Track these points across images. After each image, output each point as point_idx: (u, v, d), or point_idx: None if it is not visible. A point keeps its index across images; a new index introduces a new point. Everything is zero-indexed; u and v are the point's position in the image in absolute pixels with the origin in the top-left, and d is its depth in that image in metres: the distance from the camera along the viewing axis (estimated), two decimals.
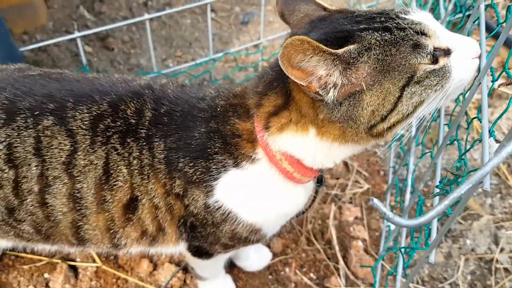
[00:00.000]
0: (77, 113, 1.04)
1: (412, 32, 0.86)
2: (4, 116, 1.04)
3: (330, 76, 0.85)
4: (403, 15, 0.90)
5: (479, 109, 0.87)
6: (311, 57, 0.81)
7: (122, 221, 1.10)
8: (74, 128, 1.04)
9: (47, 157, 1.04)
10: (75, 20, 2.48)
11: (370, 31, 0.86)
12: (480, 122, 0.87)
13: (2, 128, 1.03)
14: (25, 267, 1.59)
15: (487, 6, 1.08)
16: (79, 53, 2.31)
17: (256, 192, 1.06)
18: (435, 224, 0.97)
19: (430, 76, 0.86)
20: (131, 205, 1.08)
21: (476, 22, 1.12)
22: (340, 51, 0.83)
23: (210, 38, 1.88)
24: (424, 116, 0.91)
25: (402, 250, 1.16)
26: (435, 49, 0.87)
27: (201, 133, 1.04)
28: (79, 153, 1.04)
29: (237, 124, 1.03)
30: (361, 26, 0.87)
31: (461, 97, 1.12)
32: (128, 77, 1.16)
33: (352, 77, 0.85)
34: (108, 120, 1.05)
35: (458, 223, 1.80)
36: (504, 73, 0.87)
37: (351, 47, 0.84)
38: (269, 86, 0.98)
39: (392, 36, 0.85)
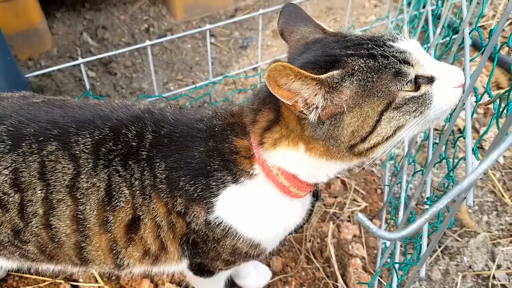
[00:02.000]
0: (79, 138, 1.08)
1: (395, 60, 0.90)
2: (10, 142, 1.07)
3: (313, 98, 0.90)
4: (390, 43, 0.94)
5: (464, 128, 0.91)
6: (293, 81, 0.86)
7: (124, 241, 1.13)
8: (77, 152, 1.07)
9: (51, 181, 1.07)
10: (79, 46, 2.56)
11: (356, 57, 0.91)
12: (465, 139, 0.91)
13: (8, 153, 1.07)
14: (29, 287, 1.62)
15: (471, 30, 1.13)
16: (82, 78, 2.39)
17: (255, 206, 1.09)
18: (425, 239, 1.00)
19: (409, 103, 0.90)
20: (133, 225, 1.11)
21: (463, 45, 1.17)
22: (323, 76, 0.88)
23: (210, 62, 1.94)
24: (405, 138, 0.94)
25: (396, 266, 1.19)
26: (418, 76, 0.90)
27: (200, 152, 1.08)
28: (82, 176, 1.07)
29: (235, 141, 1.07)
30: (349, 52, 0.92)
31: (449, 116, 1.17)
32: (128, 102, 1.21)
33: (335, 99, 0.90)
34: (109, 144, 1.09)
35: (455, 240, 1.82)
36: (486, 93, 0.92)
37: (335, 72, 0.89)
38: (263, 102, 1.03)
39: (375, 63, 0.90)
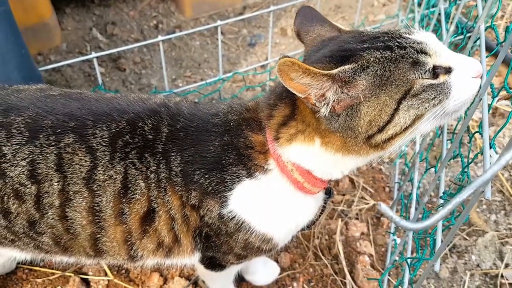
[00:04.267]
0: (97, 130, 1.09)
1: (412, 50, 0.90)
2: (27, 134, 1.08)
3: (325, 92, 0.90)
4: (406, 35, 0.94)
5: (480, 124, 0.92)
6: (302, 77, 0.87)
7: (139, 233, 1.14)
8: (94, 145, 1.08)
9: (68, 173, 1.08)
10: (88, 42, 2.57)
11: (372, 50, 0.91)
12: (481, 136, 0.91)
13: (26, 145, 1.07)
14: (39, 280, 1.63)
15: (487, 27, 1.13)
16: (91, 73, 2.40)
17: (268, 201, 1.10)
18: (439, 234, 1.00)
19: (428, 90, 0.90)
20: (148, 217, 1.12)
21: (477, 43, 1.18)
22: (334, 71, 0.88)
23: (220, 59, 1.95)
24: (426, 133, 0.95)
25: (408, 261, 1.19)
26: (436, 67, 0.91)
27: (215, 146, 1.08)
28: (98, 169, 1.08)
29: (250, 136, 1.07)
30: (365, 45, 0.93)
31: (463, 114, 1.17)
32: (144, 95, 1.21)
33: (350, 92, 0.91)
34: (126, 137, 1.09)
35: (463, 239, 1.82)
36: (503, 89, 0.92)
37: (346, 67, 0.90)
38: (279, 97, 1.04)
39: (392, 54, 0.90)
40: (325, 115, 0.93)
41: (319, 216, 1.24)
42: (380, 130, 0.93)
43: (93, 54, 1.67)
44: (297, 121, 1.00)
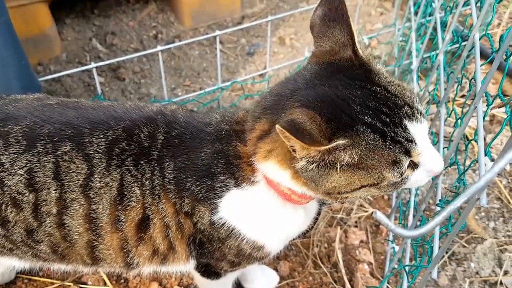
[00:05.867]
0: (93, 138, 1.09)
1: (400, 148, 0.89)
2: (25, 143, 1.08)
3: (307, 156, 0.89)
4: (406, 122, 0.90)
5: (475, 131, 0.93)
6: (295, 144, 0.87)
7: (134, 240, 1.14)
8: (91, 152, 1.09)
9: (66, 180, 1.08)
10: (88, 52, 2.58)
11: (369, 128, 0.88)
12: (477, 143, 0.92)
13: (23, 154, 1.08)
14: None
15: (482, 35, 1.15)
16: (91, 83, 2.41)
17: (257, 211, 1.10)
18: (437, 241, 1.01)
19: (389, 184, 0.93)
20: (143, 225, 1.12)
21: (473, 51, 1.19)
22: (328, 147, 0.85)
23: (219, 68, 1.97)
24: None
25: (406, 268, 1.20)
26: (409, 163, 0.92)
27: (206, 154, 1.09)
28: (95, 176, 1.08)
29: (239, 146, 1.07)
30: (365, 118, 0.88)
31: (459, 121, 1.18)
32: (140, 103, 1.22)
33: (330, 158, 0.89)
34: (123, 144, 1.10)
35: (462, 246, 1.82)
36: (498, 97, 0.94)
37: (341, 142, 0.86)
38: (263, 111, 1.00)
39: (382, 144, 0.88)
40: (300, 167, 0.92)
41: (314, 223, 1.24)
42: (340, 193, 0.96)
43: (93, 65, 1.68)
44: (273, 139, 0.97)
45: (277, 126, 0.82)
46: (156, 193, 1.10)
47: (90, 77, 2.44)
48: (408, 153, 0.90)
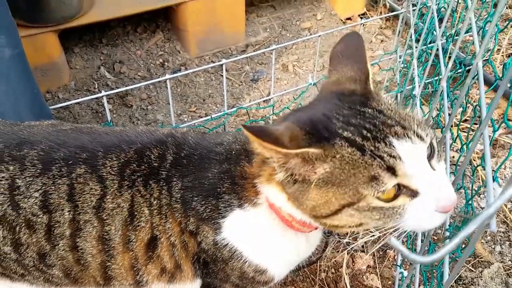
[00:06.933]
0: (107, 161, 1.12)
1: (380, 164, 0.84)
2: (40, 166, 1.11)
3: (282, 164, 0.89)
4: (390, 139, 0.86)
5: (482, 157, 0.95)
6: (259, 147, 0.86)
7: (144, 259, 1.16)
8: (104, 174, 1.11)
9: (79, 202, 1.10)
10: (96, 80, 2.63)
11: (347, 143, 0.86)
12: (484, 169, 0.94)
13: (39, 177, 1.10)
14: None
15: (485, 63, 1.18)
16: (99, 110, 2.45)
17: (258, 234, 1.11)
18: (446, 266, 1.02)
19: (374, 210, 0.86)
20: (151, 244, 1.14)
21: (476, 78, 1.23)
22: (296, 151, 0.85)
23: (225, 94, 2.01)
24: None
25: None
26: (401, 186, 0.85)
27: (213, 173, 1.11)
28: (108, 197, 1.11)
29: (246, 167, 1.09)
30: (345, 133, 0.88)
31: (465, 147, 1.21)
32: (152, 128, 1.26)
33: (306, 170, 0.89)
34: (134, 165, 1.12)
35: (469, 270, 1.82)
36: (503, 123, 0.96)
37: (311, 150, 0.85)
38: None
39: (360, 158, 0.85)
40: (280, 179, 0.93)
41: (321, 255, 1.25)
42: (325, 217, 0.92)
43: (103, 93, 1.72)
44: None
45: (241, 126, 0.84)
46: (163, 212, 1.12)
47: (98, 104, 2.48)
48: (391, 170, 0.84)
